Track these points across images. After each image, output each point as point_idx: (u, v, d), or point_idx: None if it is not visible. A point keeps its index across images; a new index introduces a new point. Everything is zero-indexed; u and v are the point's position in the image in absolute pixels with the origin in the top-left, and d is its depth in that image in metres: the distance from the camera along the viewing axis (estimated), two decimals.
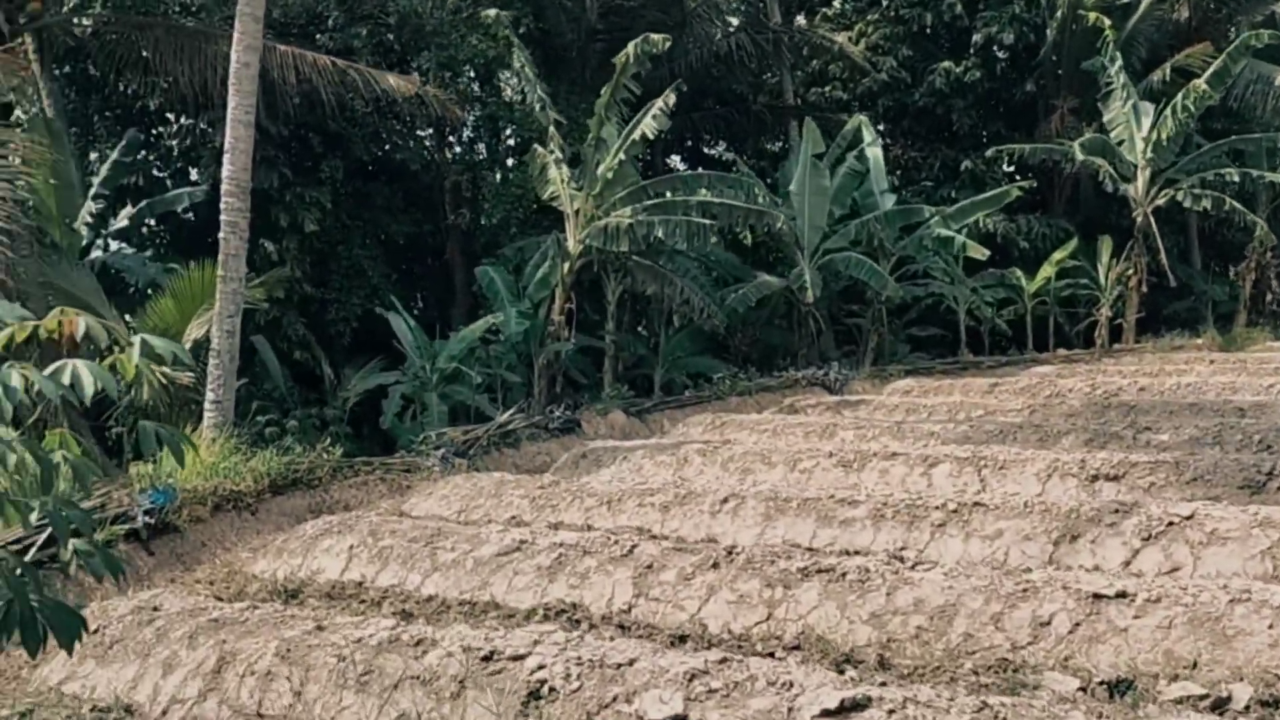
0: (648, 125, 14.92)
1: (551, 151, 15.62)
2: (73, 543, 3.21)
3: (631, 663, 5.03)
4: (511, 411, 14.42)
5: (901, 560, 7.38)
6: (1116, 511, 7.21)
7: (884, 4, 28.10)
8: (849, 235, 20.10)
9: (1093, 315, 24.55)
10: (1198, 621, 5.27)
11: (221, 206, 12.77)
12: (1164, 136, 22.12)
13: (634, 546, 7.43)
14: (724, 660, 5.10)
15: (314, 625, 6.20)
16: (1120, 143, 22.98)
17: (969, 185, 26.59)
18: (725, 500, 9.04)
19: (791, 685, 4.82)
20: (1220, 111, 25.96)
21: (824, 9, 30.23)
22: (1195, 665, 5.10)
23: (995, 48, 27.23)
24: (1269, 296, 25.86)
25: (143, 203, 18.94)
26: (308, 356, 19.28)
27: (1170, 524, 6.86)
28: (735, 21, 26.09)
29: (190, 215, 21.20)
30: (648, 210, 15.85)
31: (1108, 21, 23.70)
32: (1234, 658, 5.10)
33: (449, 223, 22.46)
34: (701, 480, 10.78)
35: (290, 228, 19.01)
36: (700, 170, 18.63)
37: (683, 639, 6.36)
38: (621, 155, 15.04)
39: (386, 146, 21.83)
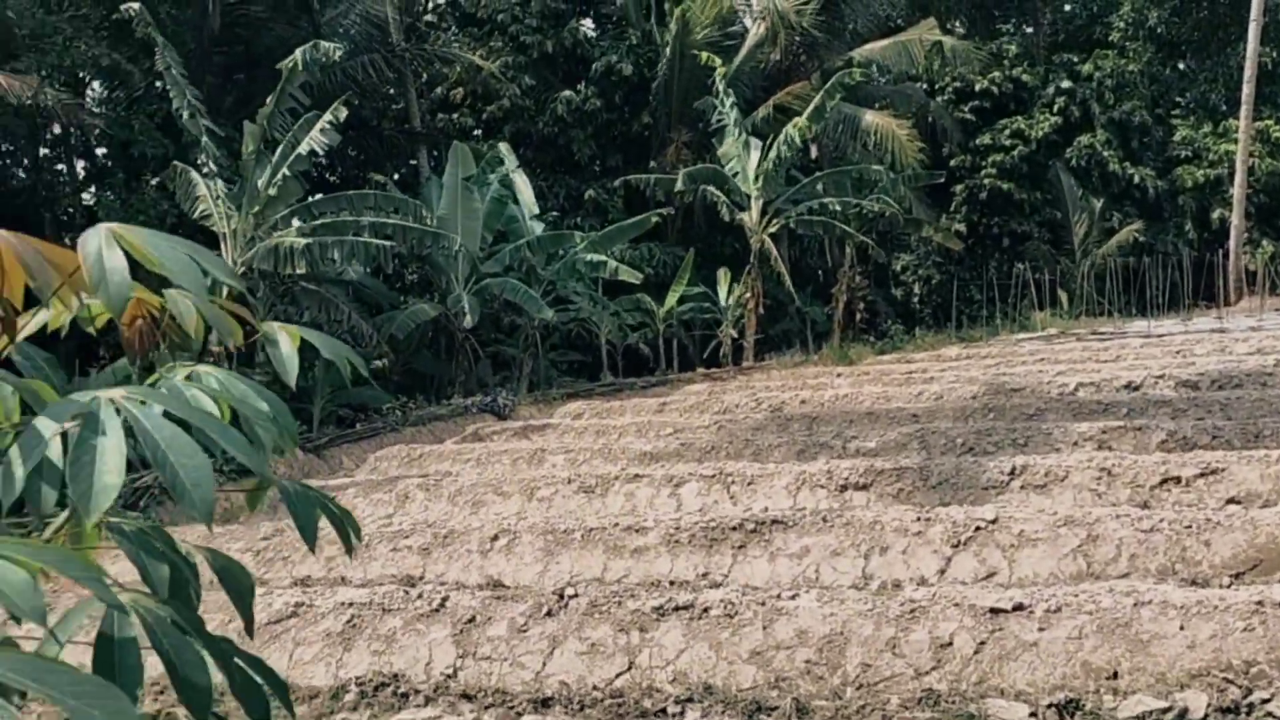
0: (315, 139, 13.64)
1: (203, 164, 13.85)
2: None
3: None
4: None
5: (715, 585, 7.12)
6: (918, 520, 7.37)
7: (506, 30, 28.25)
8: (503, 260, 19.76)
9: (716, 336, 25.99)
10: (1108, 629, 5.22)
11: None
12: (772, 169, 23.83)
13: (444, 599, 6.56)
14: None
15: None
16: (735, 174, 24.44)
17: (593, 214, 27.31)
18: (495, 537, 8.32)
19: None
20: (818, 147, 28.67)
21: (441, 32, 29.83)
22: (1116, 675, 5.03)
23: (613, 78, 28.19)
24: (858, 315, 28.75)
25: None
26: None
27: (977, 528, 7.10)
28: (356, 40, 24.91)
29: None
30: (316, 231, 14.52)
31: (718, 60, 25.26)
32: (1154, 664, 5.02)
33: None
34: (429, 516, 9.92)
35: None
36: (366, 190, 17.45)
37: (545, 703, 5.63)
38: (285, 171, 13.63)
39: None
